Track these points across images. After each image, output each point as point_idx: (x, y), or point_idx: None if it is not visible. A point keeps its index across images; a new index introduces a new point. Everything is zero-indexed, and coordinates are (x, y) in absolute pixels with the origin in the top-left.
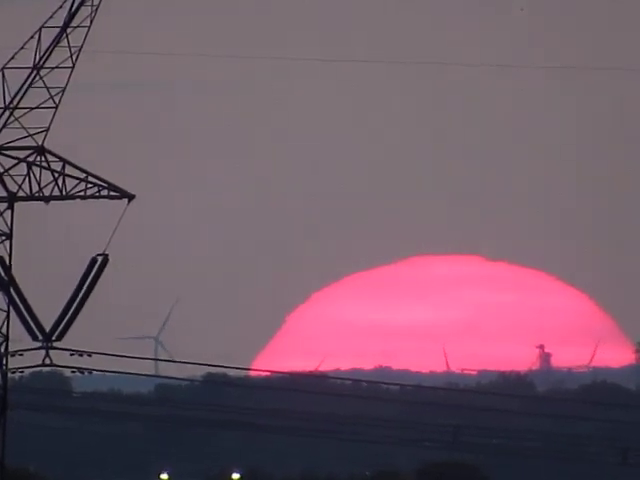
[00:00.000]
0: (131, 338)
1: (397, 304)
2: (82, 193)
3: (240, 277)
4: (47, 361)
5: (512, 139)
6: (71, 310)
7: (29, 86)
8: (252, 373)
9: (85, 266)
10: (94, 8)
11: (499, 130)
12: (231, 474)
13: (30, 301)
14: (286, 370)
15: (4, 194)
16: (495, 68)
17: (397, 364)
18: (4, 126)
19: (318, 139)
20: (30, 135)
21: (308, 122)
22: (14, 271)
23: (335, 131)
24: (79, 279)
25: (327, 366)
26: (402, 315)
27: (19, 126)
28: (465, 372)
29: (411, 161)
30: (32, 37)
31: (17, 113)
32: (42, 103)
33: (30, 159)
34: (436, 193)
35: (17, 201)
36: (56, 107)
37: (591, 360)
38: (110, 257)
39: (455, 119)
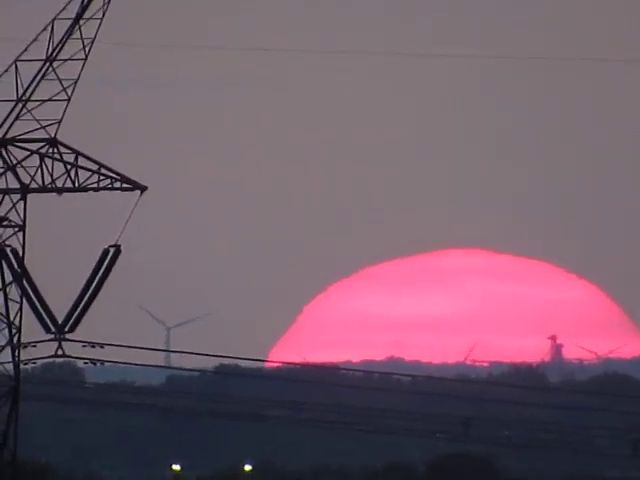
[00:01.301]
0: (148, 313)
1: (410, 296)
2: (95, 185)
3: (256, 268)
4: (60, 352)
5: (517, 131)
6: (83, 301)
7: (42, 78)
8: (263, 364)
9: (97, 257)
10: (106, 0)
11: (506, 122)
12: (243, 466)
13: (43, 293)
14: (297, 361)
15: (17, 186)
16: (499, 61)
17: (409, 355)
18: (17, 118)
19: (336, 133)
20: (42, 127)
21: (324, 116)
22: (27, 263)
23: (353, 125)
24: (91, 270)
25: (337, 357)
26: (415, 307)
27: (32, 118)
28: (476, 363)
29: (425, 155)
30: (45, 29)
31: (30, 105)
32: (55, 95)
33: (42, 151)
34: (452, 187)
35: (30, 193)
36: (69, 99)
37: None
38: (122, 248)
39: (465, 114)
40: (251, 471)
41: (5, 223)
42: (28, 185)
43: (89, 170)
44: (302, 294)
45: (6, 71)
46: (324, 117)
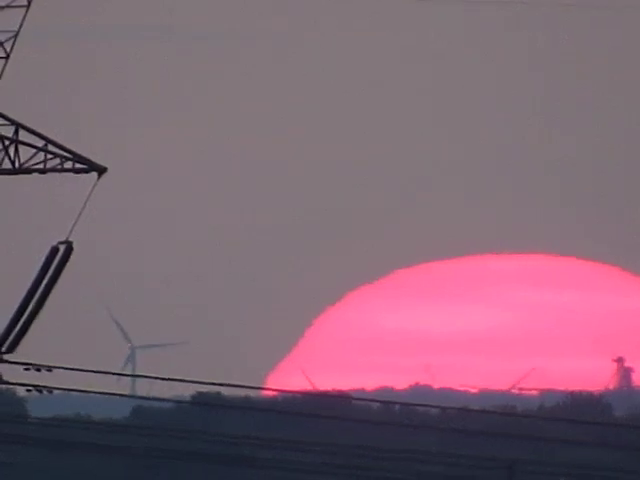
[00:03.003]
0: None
1: (442, 308)
2: (40, 165)
3: (254, 271)
4: None
5: (577, 111)
6: (26, 313)
7: None
8: (255, 393)
9: (44, 257)
10: None
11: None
12: None
13: None
14: (297, 389)
15: None
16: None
17: (439, 382)
18: None
19: (363, 121)
20: None
21: (341, 102)
22: None
23: (377, 120)
24: (36, 274)
25: (348, 384)
26: (448, 321)
27: None
28: (524, 391)
29: (467, 148)
30: None
31: None
32: None
33: None
34: (498, 182)
35: None
36: (7, 57)
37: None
38: (75, 245)
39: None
40: None
41: None
42: None
43: (33, 147)
44: (312, 304)
45: None
46: (342, 96)
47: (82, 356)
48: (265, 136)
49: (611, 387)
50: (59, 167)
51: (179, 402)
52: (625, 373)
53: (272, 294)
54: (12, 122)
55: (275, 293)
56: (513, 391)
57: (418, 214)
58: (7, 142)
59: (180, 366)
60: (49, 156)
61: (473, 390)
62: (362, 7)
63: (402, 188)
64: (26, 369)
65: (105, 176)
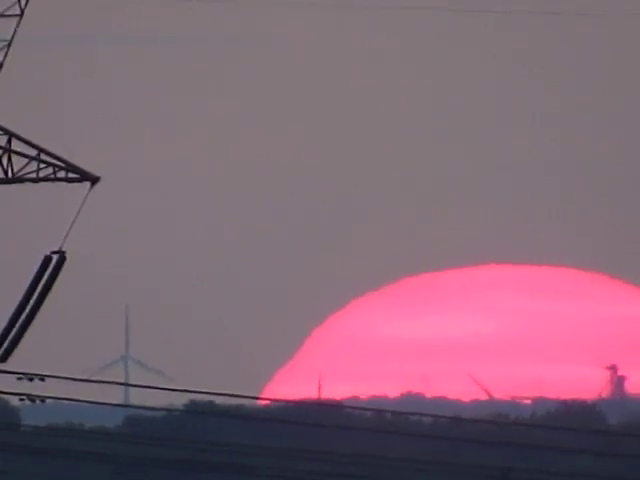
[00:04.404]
0: (98, 367)
1: (437, 316)
2: (33, 175)
3: (252, 276)
4: None
5: (562, 119)
6: (19, 323)
7: None
8: (248, 402)
9: (36, 267)
10: None
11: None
12: None
13: None
14: (290, 398)
15: None
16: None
17: (431, 391)
18: None
19: (363, 123)
20: None
21: (347, 102)
22: None
23: (383, 121)
24: (29, 283)
25: (342, 393)
26: (441, 329)
27: None
28: (516, 399)
29: (469, 158)
30: None
31: None
32: None
33: None
34: (498, 194)
35: None
36: (0, 66)
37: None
38: (67, 255)
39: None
40: None
41: None
42: None
43: (26, 156)
44: (316, 309)
45: None
46: (342, 98)
47: (74, 365)
48: (265, 140)
49: (604, 395)
50: (52, 176)
51: (172, 410)
52: (618, 381)
53: (274, 299)
54: (5, 131)
55: (277, 297)
56: (506, 399)
57: (419, 220)
58: (0, 151)
59: (175, 374)
60: (42, 165)
61: (465, 399)
62: (362, 9)
63: (404, 192)
64: (19, 378)
65: (98, 185)
